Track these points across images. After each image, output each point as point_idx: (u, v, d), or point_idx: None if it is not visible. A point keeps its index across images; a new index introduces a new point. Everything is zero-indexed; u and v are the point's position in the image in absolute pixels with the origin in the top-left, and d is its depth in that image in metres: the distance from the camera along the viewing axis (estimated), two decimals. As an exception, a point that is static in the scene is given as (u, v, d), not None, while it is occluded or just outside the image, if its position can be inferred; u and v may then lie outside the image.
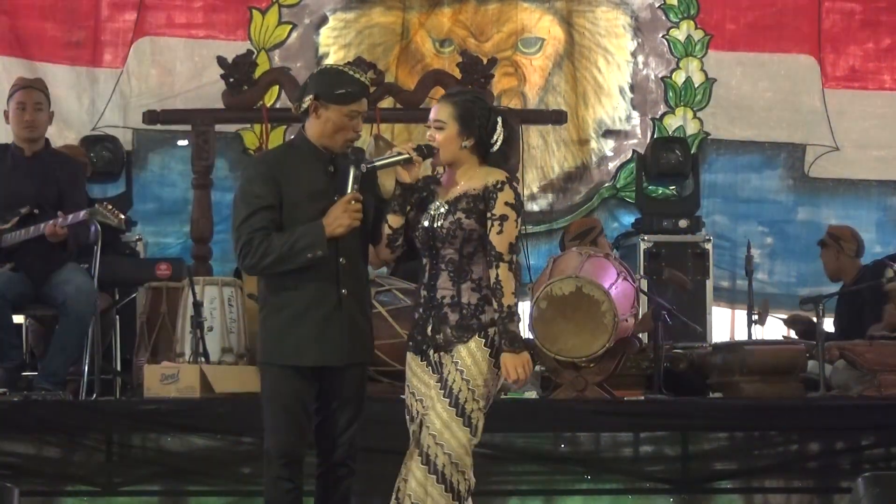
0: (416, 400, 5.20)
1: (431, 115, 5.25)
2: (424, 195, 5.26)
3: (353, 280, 5.28)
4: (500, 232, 5.09)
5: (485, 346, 5.12)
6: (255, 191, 5.21)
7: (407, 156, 5.17)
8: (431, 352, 5.19)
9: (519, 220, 5.13)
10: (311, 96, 5.28)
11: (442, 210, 5.17)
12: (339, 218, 5.14)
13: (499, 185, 5.12)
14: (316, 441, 5.34)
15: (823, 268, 9.08)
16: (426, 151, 5.19)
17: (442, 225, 5.14)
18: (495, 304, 5.10)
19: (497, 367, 5.13)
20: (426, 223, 5.18)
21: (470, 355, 5.11)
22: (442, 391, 5.09)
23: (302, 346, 5.21)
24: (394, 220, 5.22)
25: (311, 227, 5.16)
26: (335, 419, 5.30)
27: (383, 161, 5.21)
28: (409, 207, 5.24)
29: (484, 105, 5.27)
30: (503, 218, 5.10)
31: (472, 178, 5.19)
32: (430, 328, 5.18)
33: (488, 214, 5.11)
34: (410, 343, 5.27)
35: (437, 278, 5.18)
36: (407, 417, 5.26)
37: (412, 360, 5.25)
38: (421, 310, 5.23)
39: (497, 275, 5.08)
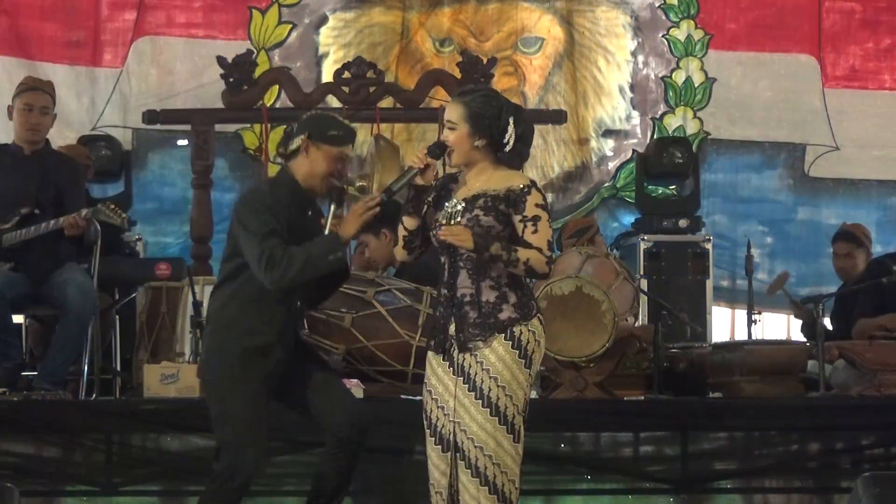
0: (437, 405, 5.17)
1: (445, 116, 5.27)
2: (442, 193, 5.26)
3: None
4: (535, 231, 5.13)
5: (512, 347, 5.11)
6: (265, 218, 5.37)
7: (420, 168, 5.21)
8: (455, 352, 5.16)
9: (550, 221, 5.19)
10: (303, 136, 5.47)
11: (459, 207, 5.17)
12: (352, 222, 5.37)
13: (526, 189, 5.15)
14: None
15: (847, 268, 8.81)
16: (438, 151, 5.23)
17: (459, 223, 5.15)
18: (512, 299, 5.13)
19: (529, 367, 5.14)
20: (443, 221, 5.18)
21: (500, 360, 5.10)
22: (473, 393, 5.09)
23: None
24: (409, 223, 5.24)
25: (325, 237, 5.37)
26: None
27: (402, 182, 5.23)
28: (424, 208, 5.26)
29: (497, 104, 5.25)
30: (536, 219, 5.14)
31: (491, 179, 5.21)
32: (452, 327, 5.17)
33: (519, 217, 5.14)
34: (432, 342, 5.26)
35: (456, 276, 5.18)
36: (424, 420, 5.24)
37: (433, 360, 5.23)
38: (442, 309, 5.23)
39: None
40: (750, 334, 8.58)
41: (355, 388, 7.10)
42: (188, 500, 7.31)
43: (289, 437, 7.09)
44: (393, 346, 7.26)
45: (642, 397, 7.78)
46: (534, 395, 7.64)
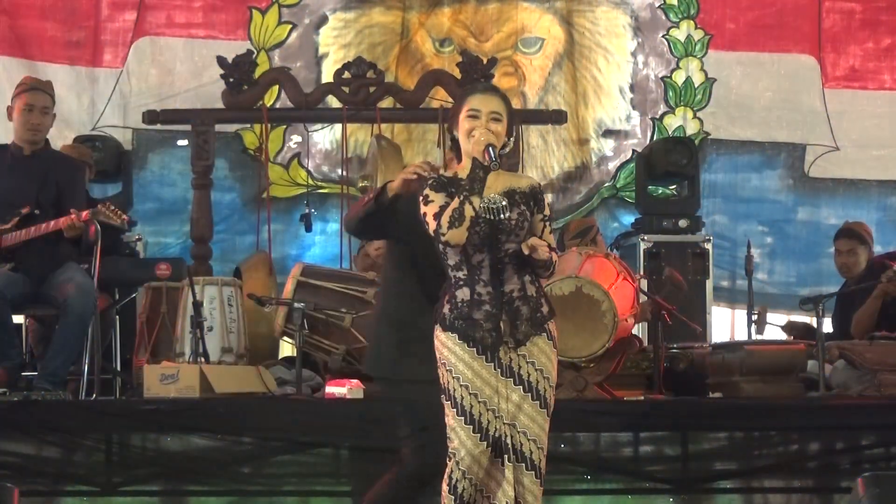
0: (486, 407, 5.10)
1: (488, 106, 5.21)
2: (452, 191, 5.19)
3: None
4: (550, 232, 5.29)
5: (553, 346, 5.25)
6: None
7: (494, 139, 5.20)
8: (505, 351, 5.13)
9: None
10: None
11: (503, 203, 5.11)
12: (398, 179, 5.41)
13: (541, 189, 5.30)
14: None
15: (849, 264, 8.79)
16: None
17: (510, 217, 5.14)
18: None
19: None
20: (489, 216, 5.11)
21: (547, 358, 5.20)
22: (529, 395, 5.12)
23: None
24: (477, 203, 5.11)
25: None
26: None
27: (496, 153, 5.20)
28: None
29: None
30: (550, 218, 5.31)
31: (507, 177, 5.25)
32: (506, 325, 5.14)
33: (540, 216, 5.24)
34: (467, 342, 5.14)
35: (502, 273, 5.17)
36: (459, 415, 5.10)
37: (475, 362, 5.13)
38: (487, 307, 5.15)
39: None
40: (750, 334, 8.58)
41: (355, 387, 7.11)
42: (188, 500, 7.32)
43: (289, 437, 7.10)
44: (393, 346, 7.25)
45: (642, 397, 7.78)
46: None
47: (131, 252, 9.13)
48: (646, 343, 8.34)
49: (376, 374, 5.65)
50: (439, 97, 9.24)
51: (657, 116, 10.66)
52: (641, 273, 9.30)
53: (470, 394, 5.12)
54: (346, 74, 9.22)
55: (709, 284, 9.70)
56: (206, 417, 7.10)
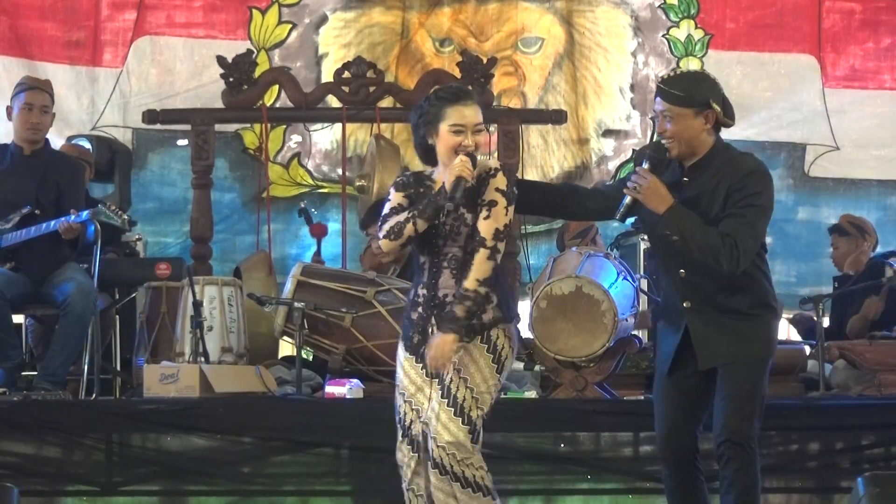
0: (405, 402, 5.17)
1: (473, 119, 5.14)
2: (421, 191, 5.20)
3: (696, 292, 5.33)
4: (487, 217, 5.05)
5: (487, 351, 5.10)
6: None
7: (469, 174, 5.10)
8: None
9: (509, 209, 5.07)
10: None
11: (449, 207, 5.12)
12: None
13: (492, 172, 5.09)
14: None
15: (836, 258, 8.86)
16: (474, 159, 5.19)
17: (445, 222, 5.11)
18: (494, 300, 5.08)
19: (500, 373, 5.13)
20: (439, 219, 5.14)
21: (472, 362, 5.08)
22: (445, 400, 5.06)
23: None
24: (423, 227, 5.13)
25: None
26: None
27: (460, 190, 5.11)
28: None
29: None
30: (492, 203, 5.05)
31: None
32: (431, 328, 5.13)
33: (479, 200, 5.07)
34: (404, 342, 5.24)
35: (438, 276, 5.13)
36: (396, 417, 5.25)
37: (405, 361, 5.21)
38: (420, 309, 5.18)
39: (473, 259, 5.02)
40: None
41: (355, 388, 7.11)
42: (188, 499, 7.32)
43: (289, 437, 7.11)
44: (393, 345, 7.16)
45: (642, 397, 7.78)
46: (533, 394, 7.67)
47: (131, 252, 9.13)
48: (646, 343, 8.33)
49: None
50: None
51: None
52: (642, 273, 9.30)
53: (399, 393, 5.20)
54: (346, 74, 9.21)
55: (709, 284, 9.67)
56: (206, 417, 7.10)
